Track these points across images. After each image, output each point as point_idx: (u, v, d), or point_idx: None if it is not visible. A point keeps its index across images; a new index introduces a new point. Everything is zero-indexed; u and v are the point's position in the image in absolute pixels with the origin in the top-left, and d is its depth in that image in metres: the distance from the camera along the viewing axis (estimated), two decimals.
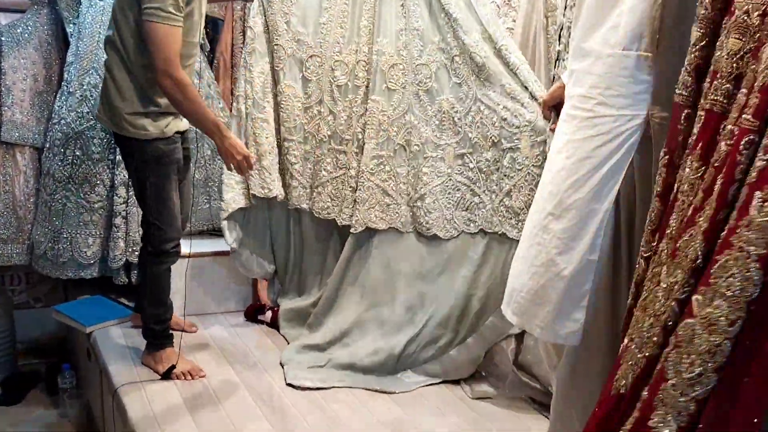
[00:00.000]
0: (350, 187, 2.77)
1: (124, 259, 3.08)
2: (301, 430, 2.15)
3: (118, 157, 2.93)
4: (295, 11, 2.78)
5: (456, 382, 2.56)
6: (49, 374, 3.24)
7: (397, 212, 2.67)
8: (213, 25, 3.70)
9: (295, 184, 2.87)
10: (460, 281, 2.58)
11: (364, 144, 2.68)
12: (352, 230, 2.71)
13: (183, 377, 2.47)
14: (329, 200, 2.83)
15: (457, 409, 2.38)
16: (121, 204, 3.04)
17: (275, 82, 2.83)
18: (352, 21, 2.75)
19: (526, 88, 2.45)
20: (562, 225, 1.70)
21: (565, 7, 2.51)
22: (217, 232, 3.19)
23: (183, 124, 2.52)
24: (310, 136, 2.83)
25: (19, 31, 3.02)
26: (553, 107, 2.36)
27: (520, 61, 2.48)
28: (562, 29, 2.53)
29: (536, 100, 2.43)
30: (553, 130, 2.28)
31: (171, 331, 2.60)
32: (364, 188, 2.68)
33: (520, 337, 2.53)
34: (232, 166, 2.38)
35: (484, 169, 2.54)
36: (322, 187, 2.83)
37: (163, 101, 2.37)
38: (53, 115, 3.07)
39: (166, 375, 2.46)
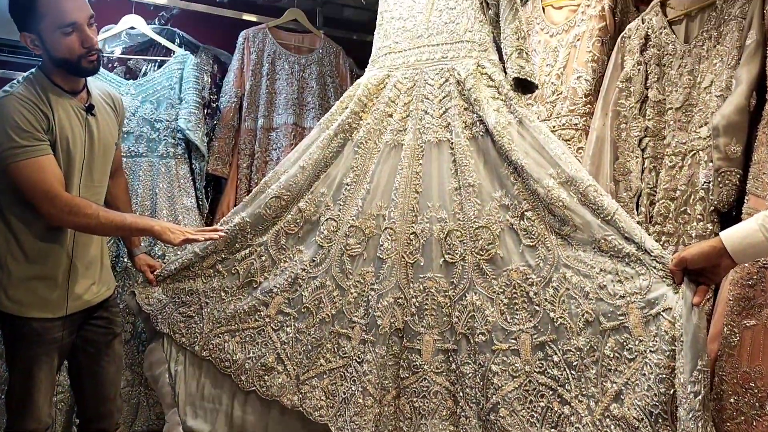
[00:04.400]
0: (351, 383, 2.17)
1: None
2: None
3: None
4: (321, 174, 2.37)
5: None
6: None
7: (467, 427, 2.02)
8: (214, 184, 3.28)
9: (279, 369, 2.25)
10: None
11: (421, 335, 2.13)
12: None
13: None
14: (324, 398, 2.20)
15: None
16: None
17: (281, 247, 2.34)
18: (377, 180, 2.30)
19: (630, 240, 1.82)
20: None
21: (642, 171, 2.07)
22: None
23: (84, 300, 2.17)
24: (308, 313, 2.27)
25: None
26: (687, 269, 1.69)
27: (615, 204, 1.89)
28: (640, 196, 2.08)
29: (649, 253, 1.78)
30: (697, 304, 1.63)
31: None
32: (430, 393, 2.09)
33: None
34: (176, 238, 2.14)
35: (575, 363, 1.87)
36: (318, 378, 2.22)
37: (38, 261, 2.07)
38: None
39: None
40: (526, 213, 2.02)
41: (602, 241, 1.86)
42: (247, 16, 3.44)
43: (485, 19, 2.24)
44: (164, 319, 2.35)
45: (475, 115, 2.15)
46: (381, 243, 2.23)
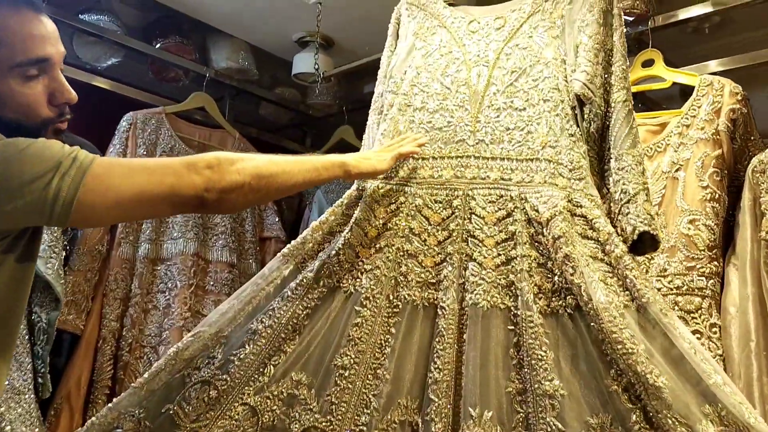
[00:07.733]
0: None
1: None
2: None
3: None
4: (289, 346, 1.44)
5: None
6: None
7: None
8: (55, 344, 2.04)
9: None
10: None
11: None
12: None
13: None
14: None
15: None
16: None
17: None
18: (399, 364, 1.41)
19: None
20: None
21: None
22: None
23: None
24: None
25: None
26: None
27: None
28: None
29: None
30: None
31: None
32: None
33: None
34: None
35: None
36: None
37: None
38: None
39: None
40: None
41: None
42: (100, 83, 2.30)
43: (579, 133, 1.46)
44: None
45: (558, 278, 1.34)
46: None
